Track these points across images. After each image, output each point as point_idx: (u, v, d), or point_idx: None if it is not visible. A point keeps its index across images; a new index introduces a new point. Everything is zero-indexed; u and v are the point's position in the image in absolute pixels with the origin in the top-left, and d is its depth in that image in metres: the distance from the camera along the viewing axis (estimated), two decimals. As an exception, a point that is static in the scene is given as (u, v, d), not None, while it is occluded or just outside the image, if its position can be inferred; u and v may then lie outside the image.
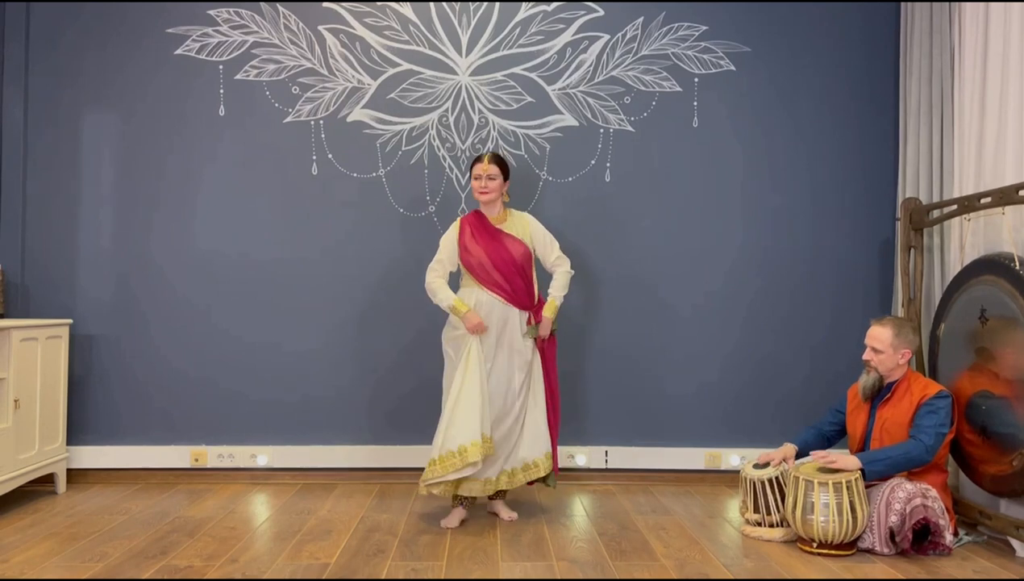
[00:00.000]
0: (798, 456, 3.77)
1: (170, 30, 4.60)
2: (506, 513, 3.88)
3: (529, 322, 3.83)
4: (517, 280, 3.80)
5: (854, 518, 3.32)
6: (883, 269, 4.67)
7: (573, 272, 3.95)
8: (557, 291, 3.87)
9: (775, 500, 3.58)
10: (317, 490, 4.41)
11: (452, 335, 3.84)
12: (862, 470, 3.39)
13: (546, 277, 3.95)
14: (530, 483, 3.93)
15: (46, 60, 4.59)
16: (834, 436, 3.87)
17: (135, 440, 4.56)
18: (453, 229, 3.89)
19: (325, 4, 4.63)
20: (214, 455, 4.58)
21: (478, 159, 3.85)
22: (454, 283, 3.90)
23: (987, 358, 3.59)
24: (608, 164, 4.68)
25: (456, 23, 4.65)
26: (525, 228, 3.90)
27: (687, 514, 4.01)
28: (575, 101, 4.67)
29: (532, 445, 3.81)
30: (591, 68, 4.66)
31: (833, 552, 3.36)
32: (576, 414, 4.60)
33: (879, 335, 3.62)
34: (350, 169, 4.63)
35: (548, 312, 3.84)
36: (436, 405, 3.87)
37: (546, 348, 3.89)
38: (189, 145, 4.61)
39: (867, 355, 3.65)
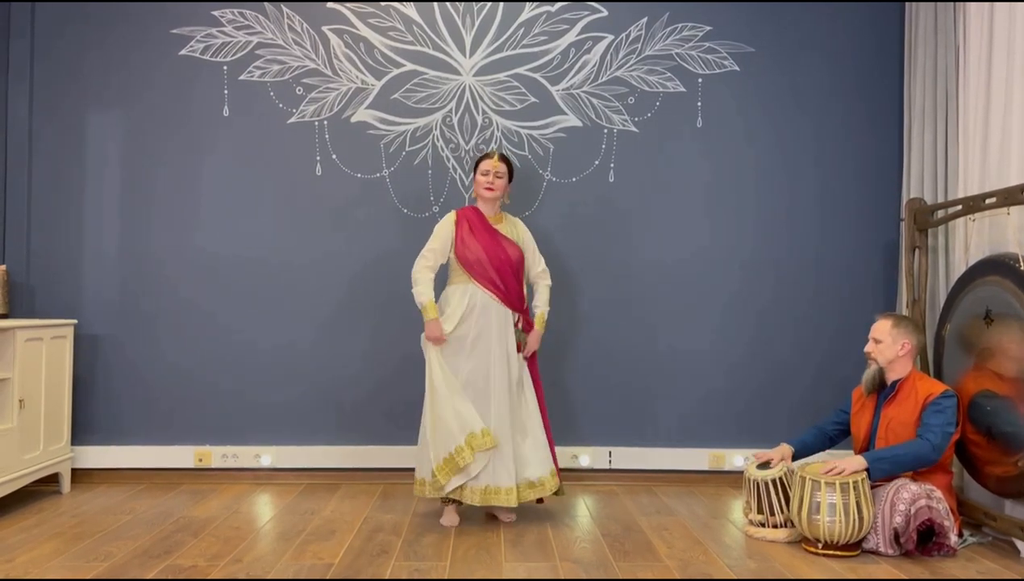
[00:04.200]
0: (796, 457, 3.78)
1: (174, 31, 4.61)
2: (504, 515, 3.87)
3: (517, 324, 3.84)
4: (512, 282, 3.82)
5: (860, 518, 3.32)
6: (887, 270, 4.66)
7: (551, 284, 4.00)
8: (544, 306, 3.92)
9: (779, 501, 3.57)
10: (321, 490, 4.42)
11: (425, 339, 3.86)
12: (867, 469, 3.38)
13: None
14: (539, 500, 3.91)
15: (51, 60, 4.60)
16: (837, 436, 3.86)
17: (139, 440, 4.57)
18: (448, 220, 3.87)
19: (329, 5, 4.64)
20: (218, 455, 4.58)
21: (487, 156, 3.87)
22: (441, 279, 3.88)
23: (992, 358, 3.59)
24: (612, 164, 4.68)
25: (460, 23, 4.65)
26: (520, 233, 3.93)
27: (690, 515, 4.00)
28: (579, 101, 4.66)
29: (537, 463, 3.80)
30: (595, 68, 4.66)
31: (838, 553, 3.35)
32: (580, 414, 4.60)
33: (879, 325, 3.65)
34: (354, 170, 4.64)
35: (540, 326, 3.88)
36: (440, 405, 3.87)
37: (529, 359, 3.91)
38: (193, 146, 4.62)
39: (868, 347, 3.66)
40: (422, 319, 3.84)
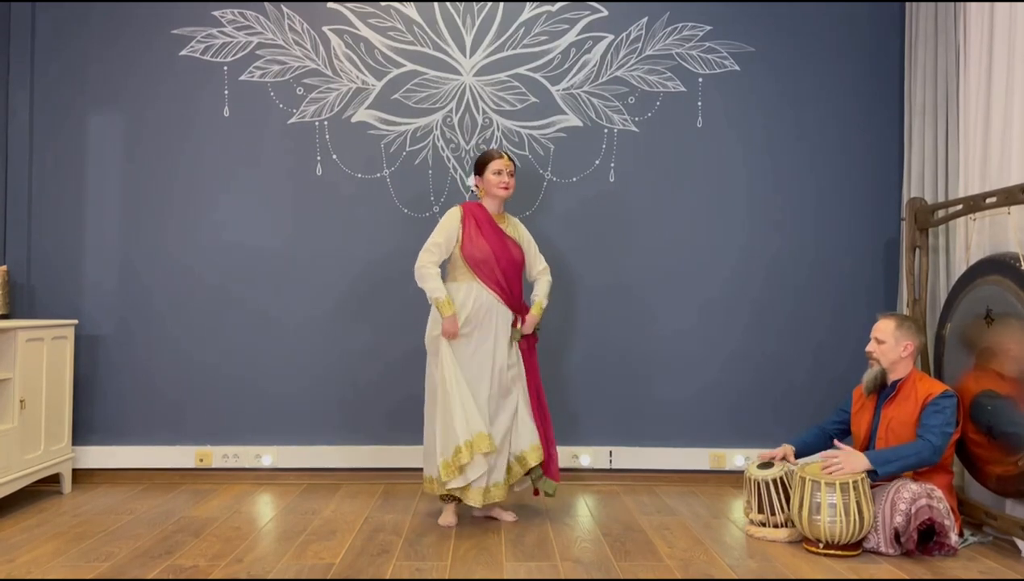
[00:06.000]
0: (797, 456, 3.78)
1: (175, 31, 4.61)
2: (506, 515, 3.87)
3: (514, 324, 3.83)
4: (516, 283, 3.82)
5: (860, 518, 3.32)
6: (888, 269, 4.66)
7: (552, 282, 3.99)
8: (543, 297, 3.92)
9: (779, 500, 3.58)
10: (322, 490, 4.42)
11: (433, 334, 3.79)
12: (873, 471, 3.38)
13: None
14: (535, 493, 3.91)
15: (52, 61, 4.60)
16: (837, 435, 3.85)
17: (140, 440, 4.57)
18: (454, 215, 3.81)
19: (329, 5, 4.64)
20: (219, 455, 4.58)
21: (495, 155, 3.83)
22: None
23: (992, 358, 3.58)
24: (612, 164, 4.68)
25: (460, 23, 4.65)
26: (522, 234, 3.93)
27: (691, 514, 4.00)
28: (579, 101, 4.66)
29: (521, 437, 3.80)
30: (595, 68, 4.66)
31: (839, 552, 3.35)
32: (580, 414, 4.60)
33: (882, 326, 3.64)
34: (354, 170, 4.64)
35: (536, 311, 3.87)
36: (440, 405, 3.87)
37: (528, 349, 3.90)
38: (194, 146, 4.62)
39: (870, 347, 3.66)
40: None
